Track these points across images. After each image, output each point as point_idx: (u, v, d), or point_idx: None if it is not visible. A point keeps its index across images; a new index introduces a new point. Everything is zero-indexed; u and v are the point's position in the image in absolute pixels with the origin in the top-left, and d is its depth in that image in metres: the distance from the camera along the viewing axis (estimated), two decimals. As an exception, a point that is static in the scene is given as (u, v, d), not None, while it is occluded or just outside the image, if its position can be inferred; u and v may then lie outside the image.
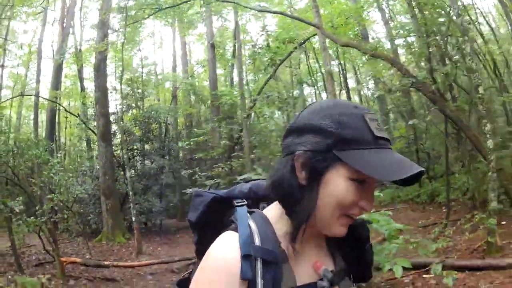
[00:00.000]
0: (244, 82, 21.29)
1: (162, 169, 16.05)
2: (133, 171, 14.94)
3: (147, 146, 17.12)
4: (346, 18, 16.45)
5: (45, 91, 20.31)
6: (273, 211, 1.05)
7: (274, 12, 18.00)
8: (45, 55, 20.97)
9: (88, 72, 20.90)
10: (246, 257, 0.93)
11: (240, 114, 18.47)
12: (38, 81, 19.54)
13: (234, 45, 21.73)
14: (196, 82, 24.80)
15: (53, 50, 20.67)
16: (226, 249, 0.96)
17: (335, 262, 1.08)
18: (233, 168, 13.64)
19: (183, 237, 13.48)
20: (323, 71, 18.82)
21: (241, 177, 5.63)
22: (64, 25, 18.40)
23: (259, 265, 0.93)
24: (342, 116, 0.96)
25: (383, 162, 0.91)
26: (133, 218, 11.36)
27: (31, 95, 19.88)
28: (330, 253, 1.10)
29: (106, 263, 8.94)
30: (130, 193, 12.00)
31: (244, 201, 1.08)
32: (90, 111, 17.24)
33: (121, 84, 16.04)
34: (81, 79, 19.58)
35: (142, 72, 22.22)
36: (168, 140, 18.36)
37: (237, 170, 13.38)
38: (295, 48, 18.98)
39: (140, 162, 17.04)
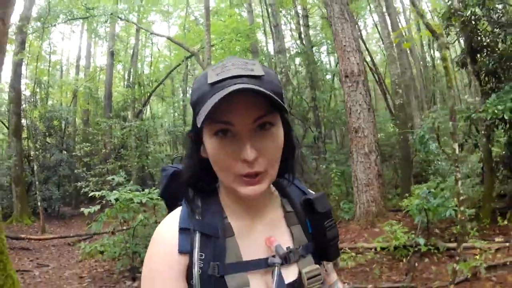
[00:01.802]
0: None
1: (60, 162, 17.79)
2: (36, 162, 16.57)
3: (48, 140, 18.80)
4: (237, 34, 19.00)
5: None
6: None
7: (162, 36, 20.94)
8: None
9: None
10: (183, 230, 0.96)
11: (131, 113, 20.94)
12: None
13: (133, 49, 24.03)
14: (98, 77, 26.41)
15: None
16: (166, 224, 1.00)
17: (294, 239, 1.04)
18: (108, 170, 16.36)
19: (77, 222, 15.91)
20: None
21: (110, 178, 8.39)
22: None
23: (197, 238, 0.94)
24: (193, 84, 0.97)
25: (208, 105, 0.86)
26: (39, 204, 13.82)
27: None
28: (288, 229, 1.06)
29: (22, 236, 11.70)
30: (37, 182, 14.47)
31: None
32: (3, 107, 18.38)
33: (34, 87, 18.25)
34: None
35: (49, 66, 23.57)
36: (67, 136, 20.04)
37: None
38: (182, 61, 22.36)
39: (42, 155, 18.56)
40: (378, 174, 9.17)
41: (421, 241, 6.24)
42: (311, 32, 21.07)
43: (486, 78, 7.83)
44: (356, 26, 13.16)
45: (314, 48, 20.94)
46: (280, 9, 19.30)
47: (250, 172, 0.91)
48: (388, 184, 12.30)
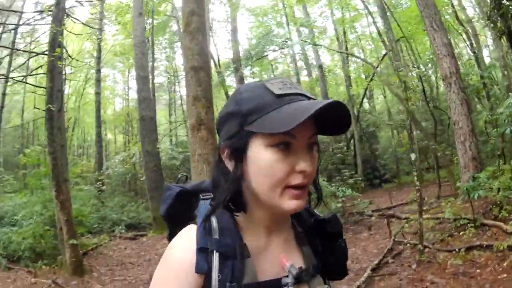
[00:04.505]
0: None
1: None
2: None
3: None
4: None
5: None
6: None
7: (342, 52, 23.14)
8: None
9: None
10: (201, 250, 0.92)
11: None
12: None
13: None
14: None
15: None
16: (182, 242, 0.96)
17: (304, 259, 1.03)
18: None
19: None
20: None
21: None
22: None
23: (215, 258, 0.91)
24: (243, 94, 0.94)
25: (286, 114, 0.85)
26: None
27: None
28: (299, 249, 1.05)
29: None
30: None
31: (210, 195, 1.03)
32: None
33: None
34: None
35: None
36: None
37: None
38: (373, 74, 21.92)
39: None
40: (473, 158, 10.58)
41: (447, 214, 7.76)
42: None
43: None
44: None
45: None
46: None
47: (304, 182, 0.90)
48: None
